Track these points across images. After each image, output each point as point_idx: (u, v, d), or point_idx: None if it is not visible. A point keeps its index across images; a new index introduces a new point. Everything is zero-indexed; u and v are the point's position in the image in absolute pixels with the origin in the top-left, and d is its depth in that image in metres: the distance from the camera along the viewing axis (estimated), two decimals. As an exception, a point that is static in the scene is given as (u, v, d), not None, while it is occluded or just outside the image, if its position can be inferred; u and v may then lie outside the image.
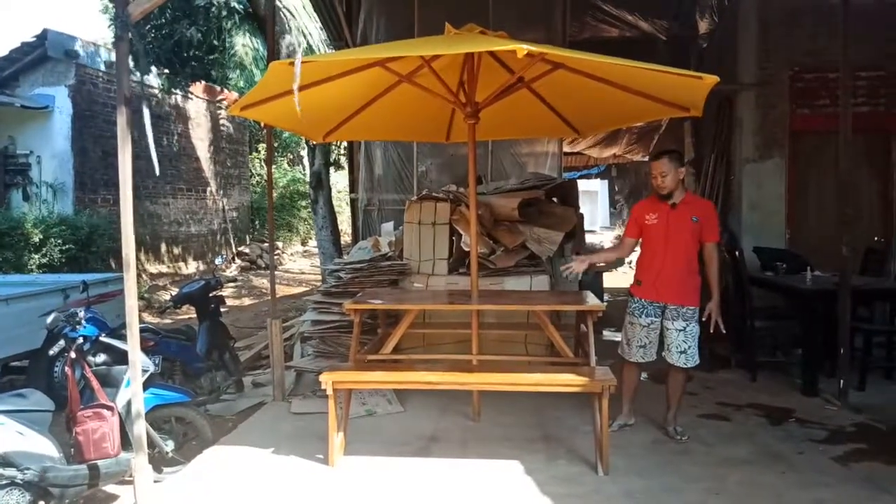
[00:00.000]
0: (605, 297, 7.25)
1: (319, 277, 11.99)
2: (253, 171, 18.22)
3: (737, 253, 5.81)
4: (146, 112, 3.16)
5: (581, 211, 6.35)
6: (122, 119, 3.13)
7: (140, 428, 3.31)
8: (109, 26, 11.22)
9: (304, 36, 11.06)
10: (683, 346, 4.10)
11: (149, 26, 9.58)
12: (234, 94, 14.45)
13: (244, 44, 12.22)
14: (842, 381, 4.87)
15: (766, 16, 6.93)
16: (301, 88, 3.92)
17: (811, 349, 5.24)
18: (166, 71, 10.79)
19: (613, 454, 3.77)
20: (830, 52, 6.15)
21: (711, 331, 4.13)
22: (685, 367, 4.14)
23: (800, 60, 6.88)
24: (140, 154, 11.72)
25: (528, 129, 5.75)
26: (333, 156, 14.09)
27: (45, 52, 10.23)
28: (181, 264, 13.50)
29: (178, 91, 12.49)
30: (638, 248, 4.40)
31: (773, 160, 6.97)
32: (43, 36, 10.20)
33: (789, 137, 6.95)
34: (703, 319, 4.13)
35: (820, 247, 6.40)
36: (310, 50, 10.77)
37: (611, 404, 3.71)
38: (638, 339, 4.20)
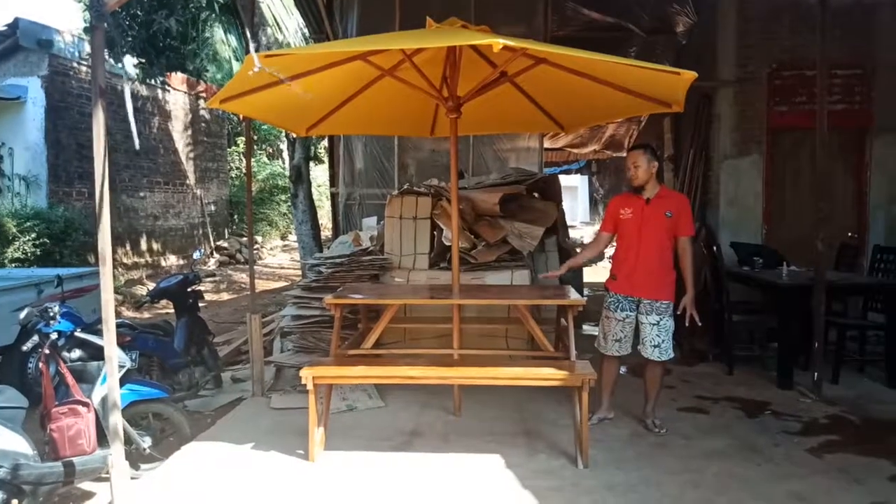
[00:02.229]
0: (585, 291, 7.30)
1: (299, 272, 11.94)
2: (232, 165, 18.02)
3: (714, 248, 5.88)
4: (127, 91, 3.08)
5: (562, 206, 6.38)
6: (97, 110, 3.07)
7: (116, 424, 3.27)
8: (84, 11, 10.96)
9: (280, 29, 10.95)
10: (657, 341, 4.14)
11: (124, 14, 9.40)
12: (214, 87, 14.27)
13: (222, 39, 12.07)
14: (816, 375, 4.96)
15: (745, 13, 7.00)
16: (280, 82, 3.89)
17: (787, 343, 5.33)
18: (141, 60, 10.62)
19: (593, 447, 3.80)
20: (808, 50, 6.24)
21: (687, 324, 4.17)
22: (659, 360, 4.18)
23: (778, 58, 6.97)
24: (116, 147, 11.55)
25: (513, 125, 5.76)
26: (314, 150, 13.97)
27: (16, 42, 9.97)
28: (159, 258, 13.32)
29: (152, 81, 12.29)
30: (615, 243, 4.43)
31: (751, 157, 7.06)
32: (14, 25, 9.95)
33: (767, 134, 7.03)
34: (678, 313, 4.17)
35: (796, 242, 6.50)
36: (287, 44, 10.67)
37: (590, 398, 3.73)
38: (613, 333, 4.24)
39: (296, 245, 12.67)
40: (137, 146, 3.15)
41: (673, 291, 4.18)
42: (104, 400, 3.49)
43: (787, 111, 7.01)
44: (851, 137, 7.01)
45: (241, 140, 17.92)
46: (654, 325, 4.13)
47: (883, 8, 6.74)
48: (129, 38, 9.66)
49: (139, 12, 9.69)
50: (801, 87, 6.91)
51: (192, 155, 14.92)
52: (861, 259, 6.67)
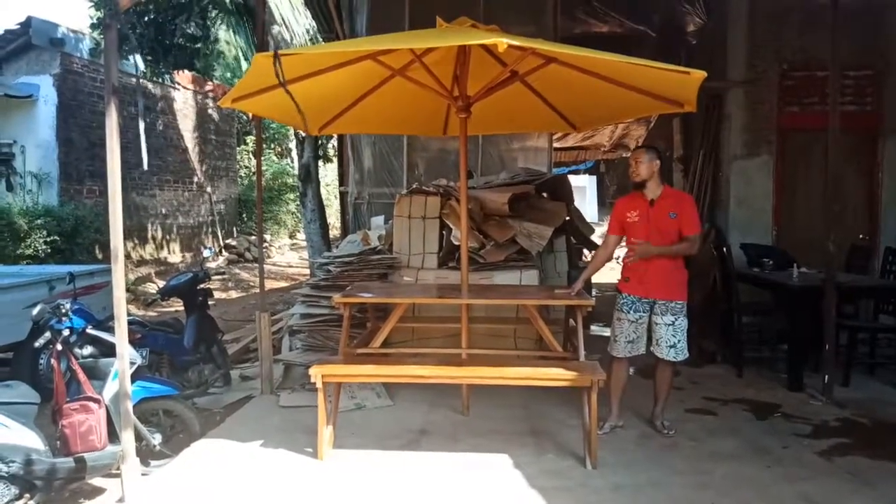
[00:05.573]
0: (594, 291, 7.28)
1: (307, 271, 11.96)
2: (241, 164, 18.07)
3: (724, 249, 5.85)
4: (140, 106, 3.12)
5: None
6: (110, 108, 3.09)
7: (128, 421, 3.29)
8: (90, 8, 11.02)
9: (286, 28, 10.98)
10: (672, 341, 4.13)
11: (132, 12, 9.48)
12: (224, 86, 14.33)
13: (229, 39, 12.13)
14: (826, 377, 4.92)
15: (755, 13, 6.96)
16: (292, 81, 3.91)
17: (797, 345, 5.30)
18: (149, 58, 10.70)
19: (601, 448, 3.79)
20: (819, 51, 6.21)
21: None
22: (675, 360, 4.17)
23: (789, 58, 6.93)
24: (127, 145, 11.64)
25: (525, 124, 5.75)
26: (323, 149, 13.99)
27: (29, 40, 10.07)
28: (168, 256, 13.40)
29: (160, 79, 12.35)
30: (623, 244, 4.41)
31: (761, 157, 7.02)
32: (27, 23, 10.04)
33: (777, 135, 6.99)
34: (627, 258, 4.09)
35: (806, 244, 6.46)
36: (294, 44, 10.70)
37: (599, 404, 3.72)
38: (626, 335, 4.22)
39: (304, 244, 12.69)
40: (146, 167, 3.17)
41: (685, 291, 4.17)
42: (115, 396, 3.52)
43: (797, 112, 6.97)
44: (862, 139, 6.96)
45: (250, 139, 17.96)
46: (669, 325, 4.12)
47: (894, 9, 6.69)
48: (138, 35, 9.73)
49: (149, 7, 9.75)
50: (811, 88, 6.87)
51: (201, 153, 14.99)
52: (872, 261, 6.63)
